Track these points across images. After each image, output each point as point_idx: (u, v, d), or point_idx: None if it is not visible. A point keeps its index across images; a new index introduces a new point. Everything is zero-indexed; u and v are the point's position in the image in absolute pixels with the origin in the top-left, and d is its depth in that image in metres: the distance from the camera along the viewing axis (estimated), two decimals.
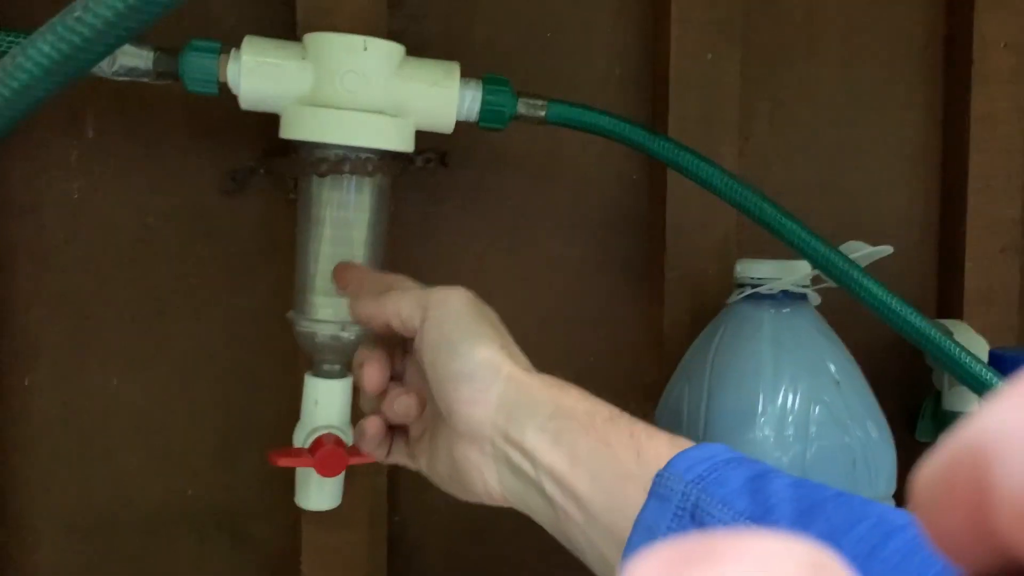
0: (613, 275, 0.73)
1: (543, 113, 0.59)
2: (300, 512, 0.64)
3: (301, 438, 0.60)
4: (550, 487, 0.37)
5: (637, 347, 0.73)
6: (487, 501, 0.41)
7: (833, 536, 0.31)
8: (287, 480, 0.63)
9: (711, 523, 0.32)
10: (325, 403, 0.60)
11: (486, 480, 0.40)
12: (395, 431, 0.46)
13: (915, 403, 0.78)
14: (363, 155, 0.56)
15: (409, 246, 0.69)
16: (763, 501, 0.32)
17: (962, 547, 0.11)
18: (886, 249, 0.59)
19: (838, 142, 0.77)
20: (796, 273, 0.60)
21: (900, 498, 0.58)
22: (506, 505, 0.41)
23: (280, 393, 0.67)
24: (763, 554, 0.10)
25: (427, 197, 0.70)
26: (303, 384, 0.60)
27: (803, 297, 0.60)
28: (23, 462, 0.64)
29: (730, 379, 0.57)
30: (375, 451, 0.45)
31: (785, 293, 0.60)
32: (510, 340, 0.43)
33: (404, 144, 0.57)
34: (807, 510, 0.32)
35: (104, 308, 0.65)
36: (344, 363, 0.61)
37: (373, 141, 0.55)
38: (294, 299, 0.60)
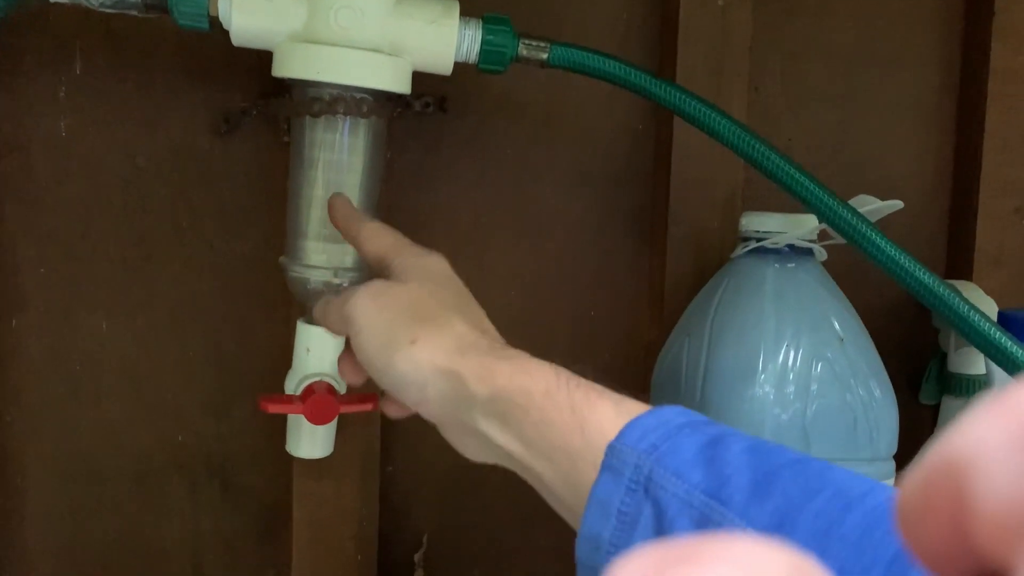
0: (615, 230, 0.72)
1: (545, 56, 0.57)
2: (292, 461, 0.63)
3: (292, 386, 0.59)
4: (513, 464, 0.37)
5: (638, 304, 0.72)
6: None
7: (790, 512, 0.30)
8: (279, 428, 0.62)
9: (664, 497, 0.31)
10: (317, 350, 0.59)
11: (463, 449, 0.40)
12: None
13: (919, 365, 0.77)
14: (358, 95, 0.54)
15: (405, 195, 0.67)
16: (718, 471, 0.31)
17: (942, 558, 0.11)
18: (896, 204, 0.57)
19: (850, 97, 0.75)
20: (803, 227, 0.58)
21: (900, 461, 0.57)
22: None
23: (272, 341, 0.66)
24: (746, 559, 0.10)
25: (424, 144, 0.68)
26: (295, 331, 0.59)
27: (809, 252, 0.59)
28: (10, 405, 0.63)
29: (731, 334, 0.56)
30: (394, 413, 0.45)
31: (791, 247, 0.58)
32: (438, 314, 0.41)
33: (400, 85, 0.55)
34: (763, 480, 0.31)
35: (92, 251, 0.63)
36: None
37: (368, 80, 0.53)
38: (286, 245, 0.58)
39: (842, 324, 0.56)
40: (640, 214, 0.72)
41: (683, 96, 0.57)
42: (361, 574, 0.66)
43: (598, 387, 0.37)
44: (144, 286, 0.64)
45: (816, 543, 0.29)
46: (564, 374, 0.38)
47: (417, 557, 0.67)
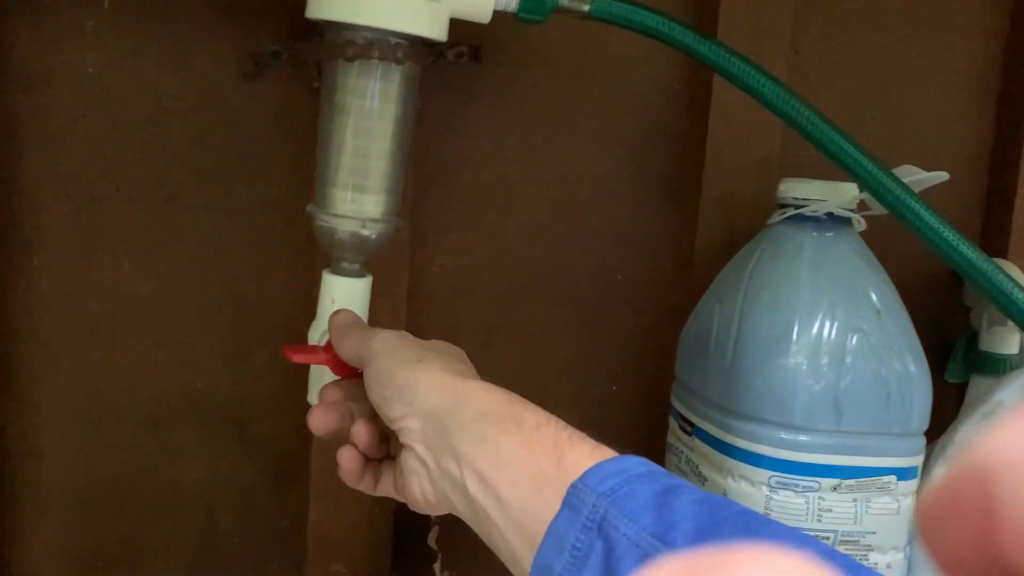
0: (645, 190, 0.70)
1: (587, 7, 0.55)
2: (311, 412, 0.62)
3: (316, 336, 0.58)
4: (473, 485, 0.39)
5: (664, 267, 0.71)
6: (423, 507, 0.43)
7: None
8: (297, 377, 0.61)
9: (616, 536, 0.34)
10: (343, 302, 0.58)
11: (421, 484, 0.42)
12: (383, 464, 0.48)
13: (946, 343, 0.75)
14: (393, 40, 0.53)
15: (433, 145, 0.66)
16: (667, 517, 0.34)
17: (964, 567, 0.11)
18: (941, 175, 0.56)
19: (893, 64, 0.73)
20: (843, 195, 0.57)
21: (930, 436, 0.56)
22: (435, 512, 0.43)
23: (293, 288, 0.65)
24: (769, 567, 0.10)
25: (455, 95, 0.66)
26: (320, 281, 0.58)
27: (847, 222, 0.57)
28: (29, 344, 0.63)
29: (765, 302, 0.55)
30: (357, 485, 0.48)
31: (829, 216, 0.57)
32: (442, 356, 0.44)
33: (438, 31, 0.53)
34: (706, 528, 0.33)
35: (114, 191, 0.62)
36: (363, 261, 0.59)
37: (406, 25, 0.52)
38: (314, 192, 0.57)
39: (879, 296, 0.55)
40: (671, 175, 0.70)
41: (728, 55, 0.55)
42: (377, 527, 0.66)
43: (583, 434, 0.39)
44: (165, 228, 0.63)
45: None
46: (555, 418, 0.40)
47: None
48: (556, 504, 0.36)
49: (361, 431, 0.46)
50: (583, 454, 0.37)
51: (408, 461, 0.42)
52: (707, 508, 0.34)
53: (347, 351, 0.47)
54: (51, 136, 0.61)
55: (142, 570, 0.66)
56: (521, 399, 0.41)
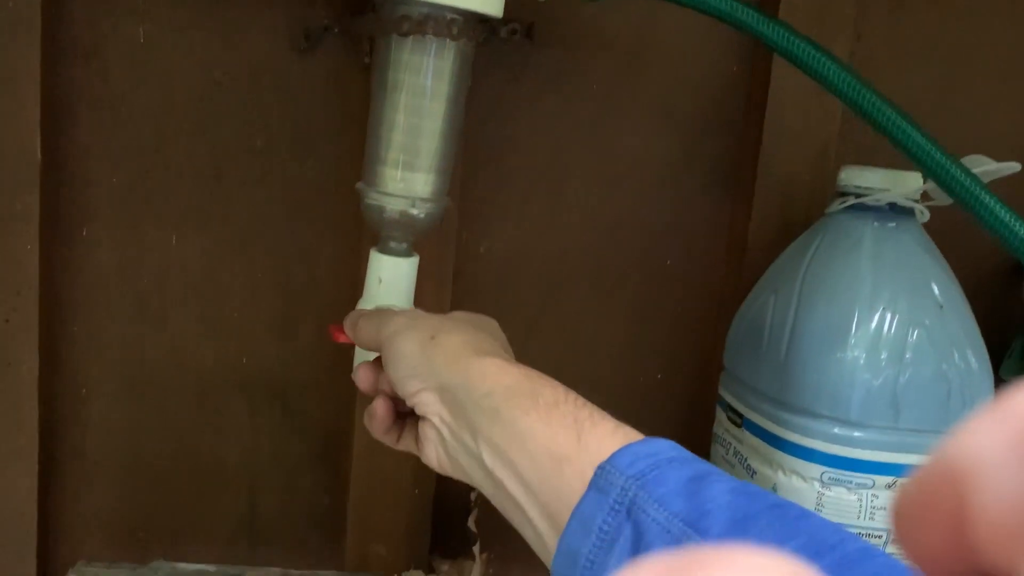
0: (699, 176, 0.69)
1: None
2: (354, 389, 0.62)
3: None
4: (490, 459, 0.38)
5: (716, 255, 0.69)
6: (441, 471, 0.44)
7: None
8: (342, 356, 0.61)
9: (645, 520, 0.33)
10: (390, 281, 0.57)
11: (438, 453, 0.42)
12: (407, 420, 0.48)
13: (1002, 339, 0.73)
14: (449, 15, 0.52)
15: (482, 125, 0.65)
16: (699, 506, 0.33)
17: (938, 564, 0.11)
18: (1013, 166, 0.54)
19: (960, 50, 0.70)
20: (906, 185, 0.55)
21: None
22: (453, 476, 0.43)
23: (341, 266, 0.64)
24: (748, 567, 0.10)
25: (507, 74, 0.65)
26: (367, 260, 0.58)
27: (910, 212, 0.55)
28: (78, 313, 0.63)
29: (823, 293, 0.53)
30: (384, 437, 0.48)
31: (891, 206, 0.55)
32: (460, 330, 0.44)
33: (494, 7, 0.52)
34: (741, 520, 0.32)
35: (164, 164, 0.62)
36: (411, 241, 0.58)
37: (462, 0, 0.51)
38: (363, 170, 0.56)
39: (942, 290, 0.53)
40: (725, 161, 0.69)
41: (790, 36, 0.54)
42: (417, 508, 0.66)
43: (603, 412, 0.38)
44: (215, 203, 0.63)
45: None
46: (574, 394, 0.39)
47: (473, 495, 0.66)
48: (577, 484, 0.35)
49: (379, 405, 0.47)
50: (604, 433, 0.37)
51: (426, 430, 0.42)
52: (742, 499, 0.33)
53: (364, 339, 0.48)
54: (102, 109, 0.61)
55: (183, 544, 0.66)
56: (539, 375, 0.40)
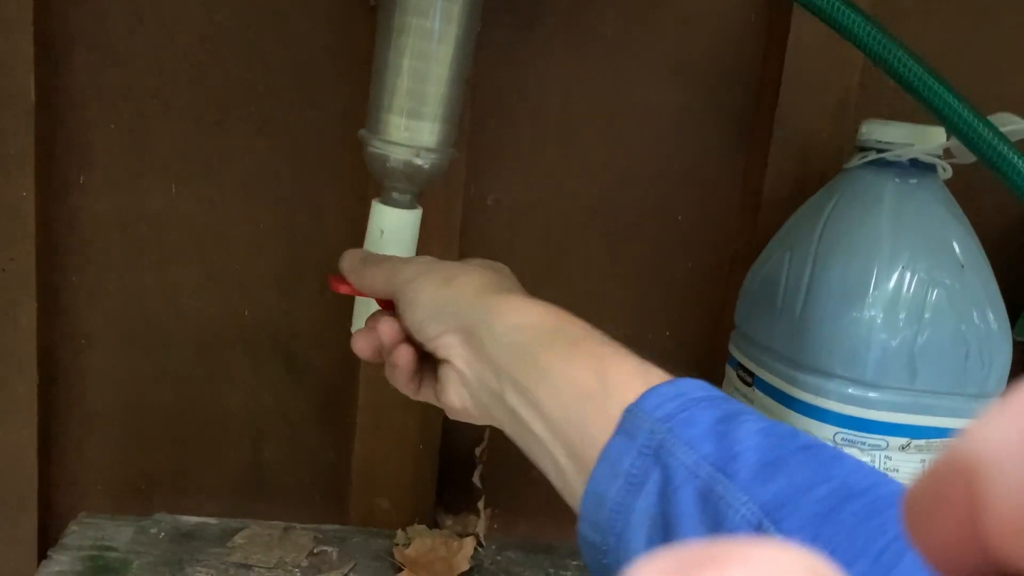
0: (713, 128, 0.67)
1: None
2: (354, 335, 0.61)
3: None
4: (512, 398, 0.38)
5: (730, 210, 0.68)
6: (462, 416, 0.43)
7: (793, 496, 0.30)
8: (348, 310, 0.60)
9: (674, 464, 0.32)
10: (392, 233, 0.56)
11: (461, 395, 0.41)
12: (425, 368, 0.46)
13: (1018, 299, 0.72)
14: None
15: (492, 73, 0.63)
16: (728, 447, 0.32)
17: (951, 558, 0.11)
18: None
19: (984, 4, 0.68)
20: (930, 140, 0.53)
21: None
22: (478, 421, 0.42)
23: (345, 216, 0.63)
24: (765, 562, 0.10)
25: (517, 19, 0.63)
26: (370, 211, 0.56)
27: (932, 168, 0.54)
28: (76, 263, 0.62)
29: (841, 251, 0.52)
30: (407, 387, 0.46)
31: (913, 162, 0.53)
32: (477, 272, 0.43)
33: None
34: (771, 462, 0.32)
35: (164, 110, 0.61)
36: (415, 192, 0.56)
37: None
38: (367, 117, 0.55)
39: (963, 249, 0.51)
40: (741, 113, 0.67)
41: None
42: (422, 463, 0.65)
43: (626, 350, 0.37)
44: (216, 151, 0.62)
45: (812, 527, 0.29)
46: (598, 332, 0.38)
47: (479, 451, 0.66)
48: (602, 423, 0.34)
49: (402, 352, 0.44)
50: (629, 371, 0.36)
51: (447, 373, 0.41)
52: (771, 440, 0.32)
53: (373, 286, 0.46)
54: (100, 52, 0.59)
55: (187, 496, 0.66)
56: (561, 312, 0.39)
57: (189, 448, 0.66)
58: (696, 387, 0.35)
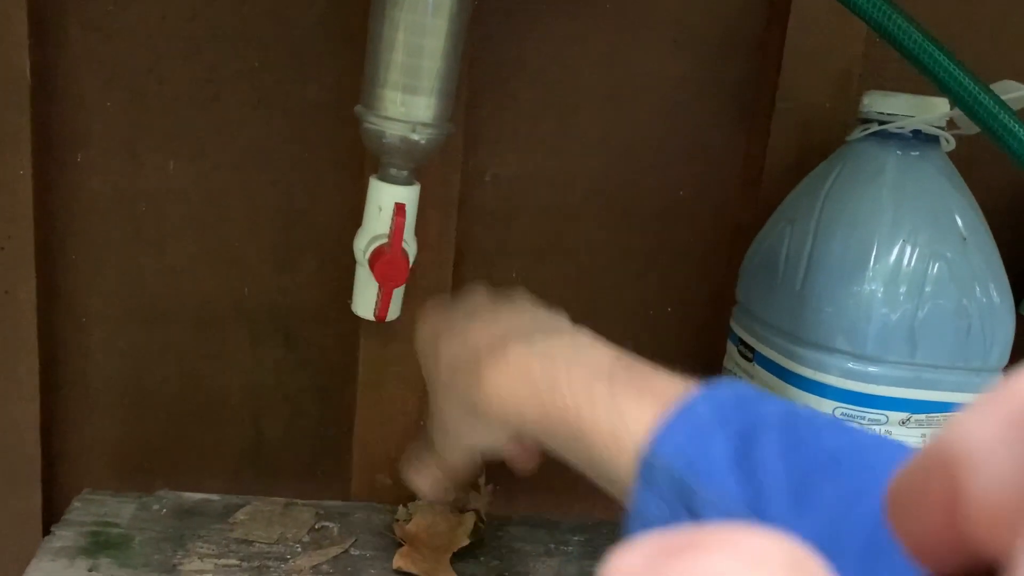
0: (715, 101, 0.66)
1: None
2: (358, 321, 0.61)
3: (362, 245, 0.56)
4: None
5: (732, 183, 0.67)
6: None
7: (833, 525, 0.29)
8: (345, 286, 0.60)
9: (704, 509, 0.32)
10: (390, 210, 0.55)
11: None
12: None
13: (1022, 273, 0.71)
14: None
15: (489, 47, 0.62)
16: (753, 480, 0.31)
17: (932, 550, 0.11)
18: None
19: None
20: (933, 111, 0.52)
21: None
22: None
23: (343, 193, 0.62)
24: (745, 549, 0.10)
25: None
26: (368, 188, 0.56)
27: (935, 140, 0.53)
28: (74, 241, 0.62)
29: (842, 224, 0.51)
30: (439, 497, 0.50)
31: (916, 134, 0.53)
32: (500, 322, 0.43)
33: None
34: (800, 490, 0.31)
35: (159, 85, 0.60)
36: (412, 168, 0.56)
37: None
38: (362, 92, 0.54)
39: (965, 222, 0.51)
40: (743, 85, 0.66)
41: None
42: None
43: (641, 376, 0.37)
44: (212, 126, 0.61)
45: (863, 557, 0.28)
46: (602, 363, 0.38)
47: None
48: (625, 460, 0.34)
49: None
50: (639, 404, 0.35)
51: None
52: (794, 458, 0.31)
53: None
54: (95, 28, 0.59)
55: (188, 474, 0.66)
56: (555, 363, 0.38)
57: (190, 425, 0.66)
58: (704, 408, 0.34)
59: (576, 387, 0.37)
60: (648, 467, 0.33)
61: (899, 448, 0.32)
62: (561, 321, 0.43)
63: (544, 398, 0.38)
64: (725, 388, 0.35)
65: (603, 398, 0.36)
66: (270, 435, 0.67)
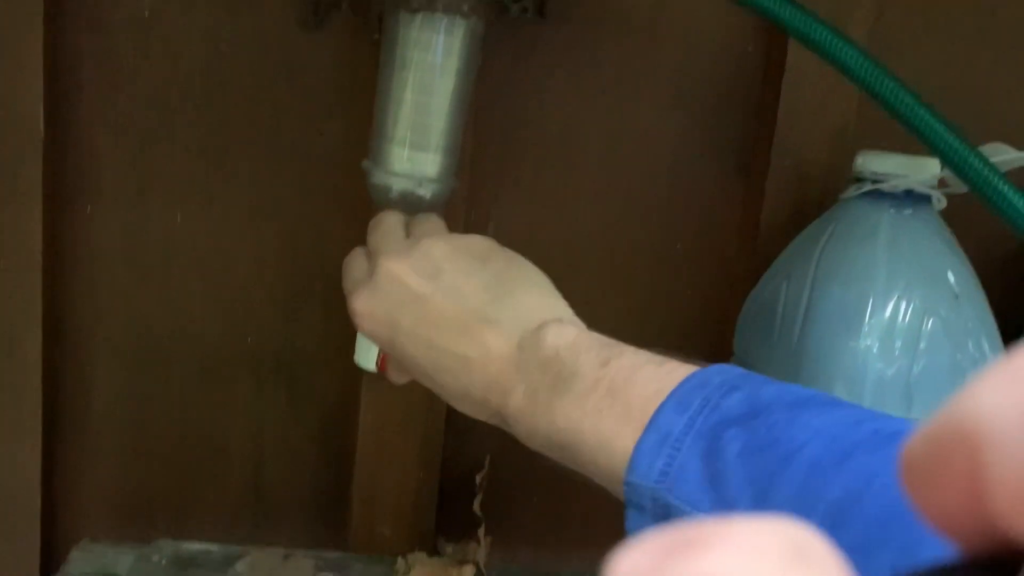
0: (712, 157, 0.67)
1: None
2: (361, 370, 0.61)
3: None
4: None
5: (729, 237, 0.68)
6: None
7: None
8: (350, 336, 0.61)
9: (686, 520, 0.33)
10: None
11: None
12: None
13: (1018, 327, 0.72)
14: None
15: (492, 103, 0.64)
16: (723, 493, 0.33)
17: (956, 523, 0.11)
18: None
19: (981, 30, 0.69)
20: (924, 171, 0.54)
21: None
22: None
23: (348, 244, 0.63)
24: (747, 541, 0.10)
25: (516, 51, 0.64)
26: None
27: (927, 199, 0.54)
28: (82, 288, 0.62)
29: (837, 280, 0.52)
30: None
31: (908, 193, 0.54)
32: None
33: None
34: (760, 495, 0.32)
35: (170, 139, 0.61)
36: None
37: None
38: (370, 148, 0.56)
39: (958, 279, 0.52)
40: (740, 142, 0.67)
41: (807, 20, 0.52)
42: (422, 490, 0.66)
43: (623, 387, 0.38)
44: (221, 178, 0.62)
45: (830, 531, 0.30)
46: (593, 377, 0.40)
47: (479, 478, 0.66)
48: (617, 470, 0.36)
49: None
50: (614, 416, 0.37)
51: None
52: (753, 461, 0.33)
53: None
54: (109, 81, 0.60)
55: (188, 518, 0.66)
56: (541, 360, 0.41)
57: (191, 472, 0.66)
58: (674, 417, 0.35)
59: (560, 413, 0.39)
60: (632, 489, 0.35)
61: (877, 428, 0.33)
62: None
63: (528, 414, 0.40)
64: (692, 385, 0.36)
65: (589, 419, 0.38)
66: (270, 482, 0.67)
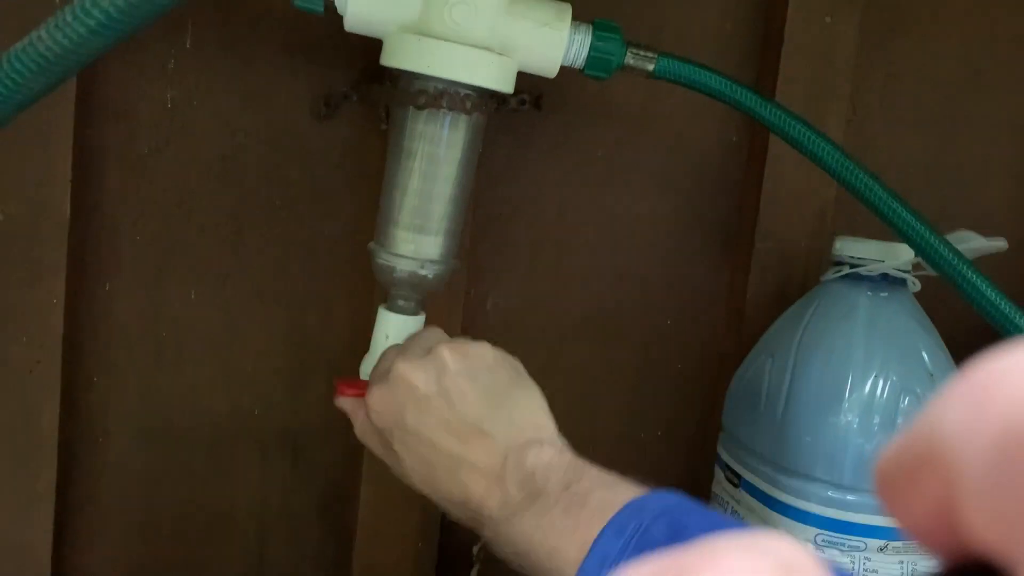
0: (699, 239, 0.71)
1: (652, 67, 0.56)
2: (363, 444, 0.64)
3: (368, 370, 0.60)
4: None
5: (716, 316, 0.72)
6: None
7: None
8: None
9: None
10: (396, 338, 0.59)
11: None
12: None
13: None
14: (463, 91, 0.55)
15: (491, 188, 0.68)
16: None
17: (931, 535, 0.11)
18: (1000, 244, 0.56)
19: (951, 122, 0.73)
20: (899, 257, 0.57)
21: None
22: None
23: (353, 321, 0.66)
24: (739, 563, 0.10)
25: (514, 139, 0.68)
26: (376, 316, 0.60)
27: (902, 282, 0.58)
28: (98, 363, 0.65)
29: (818, 359, 0.55)
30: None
31: (884, 276, 0.57)
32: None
33: (505, 84, 0.55)
34: None
35: (187, 222, 0.65)
36: (419, 300, 0.60)
37: (476, 78, 0.53)
38: (376, 231, 0.59)
39: (932, 359, 0.55)
40: (725, 226, 0.71)
41: (787, 118, 0.56)
42: (421, 560, 0.67)
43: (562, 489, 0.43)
44: (234, 258, 0.66)
45: None
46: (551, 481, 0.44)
47: (476, 550, 0.68)
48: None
49: None
50: (568, 543, 0.40)
51: None
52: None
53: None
54: (131, 166, 0.64)
55: None
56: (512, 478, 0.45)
57: (197, 541, 0.68)
58: (612, 541, 0.39)
59: (524, 524, 0.43)
60: None
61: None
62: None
63: (499, 521, 0.44)
64: (629, 512, 0.40)
65: (542, 532, 0.42)
66: (273, 553, 0.69)
